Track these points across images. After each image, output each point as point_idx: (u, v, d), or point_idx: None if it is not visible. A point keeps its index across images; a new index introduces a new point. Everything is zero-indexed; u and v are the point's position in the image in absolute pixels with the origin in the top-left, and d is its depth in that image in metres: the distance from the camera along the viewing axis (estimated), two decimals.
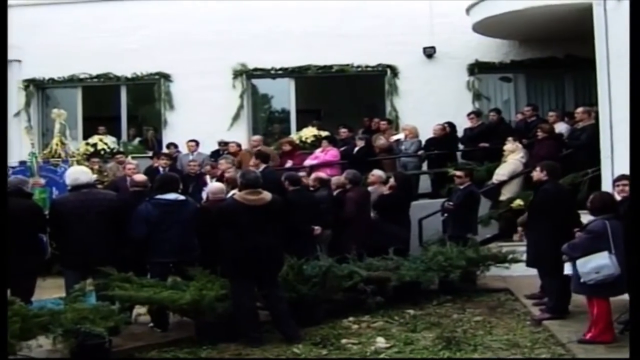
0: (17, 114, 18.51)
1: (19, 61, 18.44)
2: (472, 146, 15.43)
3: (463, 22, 16.06)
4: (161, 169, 14.41)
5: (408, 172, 14.56)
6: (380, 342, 8.32)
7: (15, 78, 18.39)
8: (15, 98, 18.44)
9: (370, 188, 12.51)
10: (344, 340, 8.41)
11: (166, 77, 18.21)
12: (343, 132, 16.59)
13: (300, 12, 17.48)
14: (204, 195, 11.94)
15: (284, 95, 18.70)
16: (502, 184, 13.63)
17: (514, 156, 13.82)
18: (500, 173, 13.73)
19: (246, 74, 18.07)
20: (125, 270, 8.71)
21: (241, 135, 17.37)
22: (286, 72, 18.12)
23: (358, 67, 17.71)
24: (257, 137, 16.33)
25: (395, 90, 17.57)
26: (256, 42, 17.56)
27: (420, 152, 15.52)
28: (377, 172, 12.89)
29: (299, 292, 9.16)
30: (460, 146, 15.75)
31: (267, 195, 8.67)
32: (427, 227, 12.81)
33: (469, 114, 15.94)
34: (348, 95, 18.74)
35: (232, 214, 8.60)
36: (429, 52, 17.26)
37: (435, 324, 9.12)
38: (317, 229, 11.37)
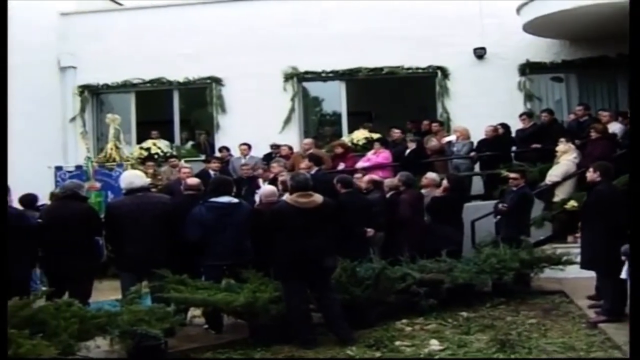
0: (73, 119, 18.86)
1: (74, 68, 18.80)
2: (525, 147, 15.27)
3: (513, 23, 15.96)
4: (212, 172, 14.54)
5: (460, 174, 14.50)
6: (434, 344, 8.27)
7: (70, 84, 18.75)
8: (71, 104, 18.80)
9: (423, 191, 12.47)
10: (397, 343, 8.39)
11: (218, 81, 18.35)
12: (395, 133, 16.55)
13: (351, 15, 17.52)
14: (257, 198, 12.03)
15: (335, 98, 18.73)
16: (556, 185, 13.48)
17: (566, 157, 13.68)
18: (553, 174, 13.58)
19: (297, 77, 18.14)
20: (180, 273, 8.81)
21: (293, 138, 17.45)
22: (337, 75, 18.15)
23: (408, 69, 17.67)
24: (308, 140, 16.38)
25: (446, 92, 17.50)
26: (307, 45, 17.64)
27: (472, 154, 15.44)
28: (430, 175, 12.84)
29: (352, 294, 9.15)
30: (513, 147, 15.62)
31: (318, 197, 8.68)
32: (480, 228, 12.74)
33: (520, 115, 15.82)
34: (398, 97, 18.70)
35: (283, 216, 8.63)
36: (480, 53, 17.17)
37: (488, 327, 9.05)
38: (370, 231, 11.38)
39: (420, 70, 17.71)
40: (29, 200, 11.69)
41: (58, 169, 15.05)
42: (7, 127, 8.14)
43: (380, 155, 15.44)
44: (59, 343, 6.69)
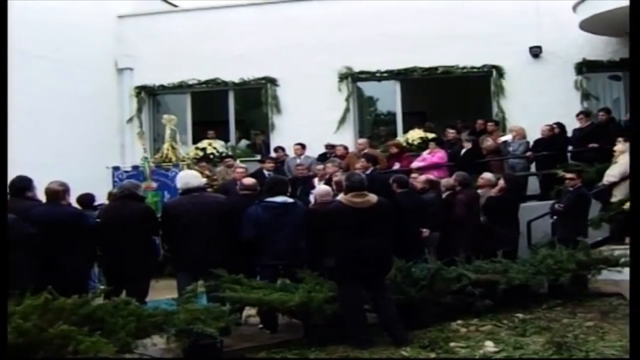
0: (130, 120, 19.13)
1: (131, 69, 19.05)
2: (582, 147, 15.08)
3: (570, 20, 15.76)
4: (267, 172, 14.60)
5: (516, 174, 14.38)
6: (489, 346, 8.20)
7: (127, 85, 19.01)
8: (128, 105, 19.07)
9: (480, 191, 12.40)
10: (452, 344, 8.33)
11: (273, 81, 18.45)
12: (450, 133, 16.49)
13: (405, 14, 17.48)
14: (312, 198, 12.06)
15: (389, 98, 18.72)
16: (613, 185, 13.28)
17: (624, 157, 13.46)
18: (611, 174, 13.38)
19: (352, 77, 18.17)
20: (235, 272, 8.87)
21: (347, 138, 17.47)
22: (391, 75, 18.15)
23: (463, 68, 17.60)
24: (362, 140, 16.36)
25: (501, 91, 17.39)
26: (361, 45, 17.65)
27: (528, 154, 15.31)
28: (486, 175, 12.76)
29: (407, 294, 9.11)
30: (569, 147, 15.44)
31: (373, 197, 8.65)
32: (536, 229, 12.62)
33: (577, 114, 15.63)
34: (453, 97, 18.62)
35: (338, 216, 8.62)
36: (535, 52, 17.01)
37: (545, 329, 8.93)
38: (426, 231, 11.36)
39: (475, 70, 17.63)
40: (87, 199, 11.89)
41: (115, 169, 15.25)
42: (7, 127, 8.24)
43: (435, 155, 15.40)
44: (116, 341, 6.77)
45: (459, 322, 9.34)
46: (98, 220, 9.54)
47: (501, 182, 12.21)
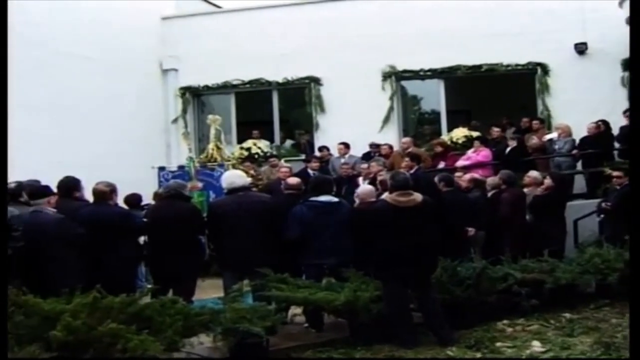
0: (175, 121, 19.27)
1: (176, 70, 19.21)
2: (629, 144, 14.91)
3: (616, 16, 15.51)
4: (311, 171, 14.64)
5: (562, 172, 14.26)
6: (536, 346, 8.14)
7: (172, 86, 19.16)
8: (173, 105, 19.21)
9: (526, 190, 12.31)
10: (498, 344, 8.28)
11: (316, 81, 18.47)
12: (495, 131, 16.40)
13: (448, 12, 17.40)
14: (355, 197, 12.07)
15: (433, 96, 18.67)
16: None
17: None
18: None
19: (395, 76, 18.14)
20: (281, 272, 8.90)
21: (392, 137, 17.43)
22: (435, 73, 18.08)
23: (507, 66, 17.46)
24: (406, 139, 16.33)
25: (546, 89, 17.23)
26: (405, 43, 17.60)
27: (574, 152, 15.16)
28: (533, 174, 12.66)
29: (452, 293, 9.08)
30: (616, 144, 15.26)
31: (418, 196, 8.62)
32: (583, 228, 12.51)
33: (624, 111, 15.42)
34: (498, 95, 18.50)
35: (383, 215, 8.61)
36: (581, 49, 16.83)
37: (592, 329, 8.84)
38: (471, 230, 11.31)
39: (519, 67, 17.48)
40: (134, 200, 12.02)
41: (161, 169, 15.37)
42: (7, 127, 8.32)
43: (480, 154, 15.33)
44: (164, 339, 6.84)
45: (505, 321, 9.28)
46: (145, 220, 9.63)
47: (548, 181, 12.11)
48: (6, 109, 8.56)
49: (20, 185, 9.08)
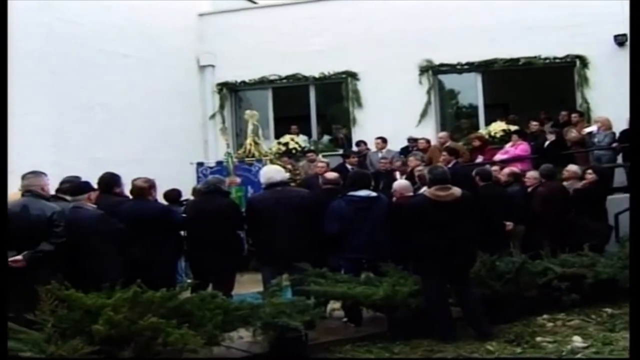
0: (212, 117, 19.31)
1: (213, 66, 19.25)
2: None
3: None
4: (349, 166, 14.63)
5: (603, 166, 14.11)
6: (577, 341, 8.07)
7: (209, 82, 19.23)
8: (210, 101, 19.27)
9: (565, 183, 12.21)
10: (538, 339, 8.24)
11: (353, 75, 18.41)
12: (533, 125, 16.28)
13: (485, 5, 17.24)
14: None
15: (471, 90, 18.51)
16: None
17: None
18: None
19: (432, 70, 18.01)
20: (319, 266, 8.92)
21: (429, 132, 17.31)
22: (472, 67, 17.92)
23: (545, 59, 17.28)
24: (443, 134, 16.26)
25: (585, 82, 17.02)
26: (441, 37, 17.49)
27: (614, 145, 14.99)
28: (572, 168, 12.57)
29: (491, 288, 9.05)
30: None
31: (456, 190, 8.60)
32: (624, 222, 12.36)
33: None
34: (536, 88, 18.34)
35: (422, 210, 8.60)
36: (621, 40, 16.55)
37: None
38: (510, 224, 11.24)
39: (558, 60, 17.29)
40: (173, 195, 12.10)
41: (199, 165, 15.44)
42: (7, 127, 8.39)
43: (518, 148, 15.20)
44: (203, 333, 6.92)
45: (545, 316, 9.24)
46: (184, 215, 9.70)
47: (591, 174, 11.99)
48: (6, 111, 8.64)
49: (62, 182, 9.20)
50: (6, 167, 8.46)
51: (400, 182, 10.99)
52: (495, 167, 13.20)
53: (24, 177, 8.23)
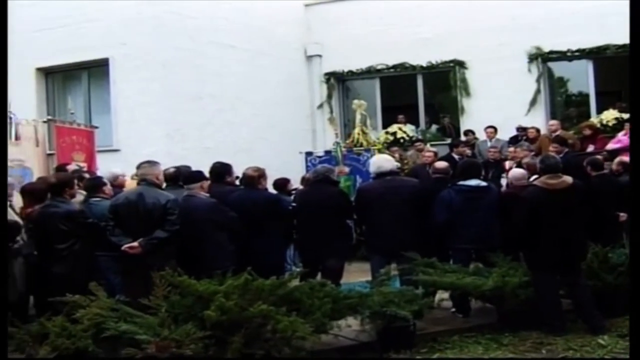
0: (320, 106, 19.45)
1: (320, 56, 19.38)
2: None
3: None
4: (456, 156, 14.54)
5: None
6: None
7: (317, 72, 19.36)
8: (318, 91, 19.40)
9: None
10: None
11: (461, 64, 18.26)
12: None
13: None
14: (503, 181, 11.91)
15: (581, 78, 18.09)
16: None
17: None
18: None
19: (542, 58, 17.69)
20: (428, 256, 8.91)
21: (539, 121, 17.04)
22: (583, 54, 17.49)
23: None
24: (554, 122, 15.92)
25: None
26: (550, 24, 17.16)
27: None
28: None
29: (603, 280, 8.86)
30: None
31: (568, 179, 8.48)
32: None
33: None
34: None
35: (537, 200, 8.44)
36: None
37: None
38: (623, 215, 10.97)
39: None
40: (283, 183, 12.24)
41: (308, 154, 15.59)
42: (7, 126, 8.48)
43: None
44: (312, 321, 7.00)
45: None
46: (294, 204, 9.81)
47: None
48: (6, 111, 8.81)
49: (178, 170, 9.44)
50: (6, 167, 8.63)
51: (515, 171, 10.79)
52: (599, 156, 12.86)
53: (139, 166, 8.49)
